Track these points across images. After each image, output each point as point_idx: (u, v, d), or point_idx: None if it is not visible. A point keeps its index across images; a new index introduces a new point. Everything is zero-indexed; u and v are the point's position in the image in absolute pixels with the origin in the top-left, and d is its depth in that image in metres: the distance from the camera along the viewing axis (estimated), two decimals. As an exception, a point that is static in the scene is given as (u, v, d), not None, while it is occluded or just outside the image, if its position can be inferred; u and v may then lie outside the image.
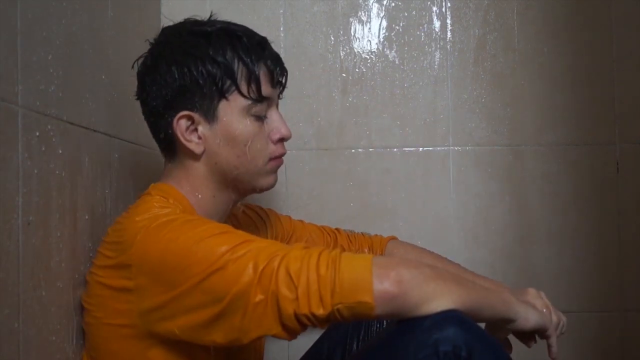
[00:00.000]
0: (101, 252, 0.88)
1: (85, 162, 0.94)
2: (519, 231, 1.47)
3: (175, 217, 0.84)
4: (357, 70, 1.48)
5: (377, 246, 1.24)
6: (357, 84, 1.48)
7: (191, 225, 0.82)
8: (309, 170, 1.47)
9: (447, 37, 1.48)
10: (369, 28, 1.48)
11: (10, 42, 0.72)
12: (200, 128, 0.92)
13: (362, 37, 1.48)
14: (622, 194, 1.45)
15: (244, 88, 0.92)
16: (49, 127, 0.81)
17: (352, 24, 1.48)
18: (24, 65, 0.75)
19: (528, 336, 0.92)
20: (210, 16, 0.99)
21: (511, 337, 0.95)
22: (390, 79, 1.48)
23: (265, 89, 0.94)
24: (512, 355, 0.88)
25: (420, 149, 1.47)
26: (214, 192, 0.96)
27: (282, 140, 0.98)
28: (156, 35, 0.97)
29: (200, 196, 0.95)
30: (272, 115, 0.97)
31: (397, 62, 1.48)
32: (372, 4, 1.49)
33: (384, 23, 1.48)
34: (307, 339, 1.21)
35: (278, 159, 0.98)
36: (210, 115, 0.92)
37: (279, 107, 1.00)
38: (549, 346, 0.92)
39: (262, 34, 0.98)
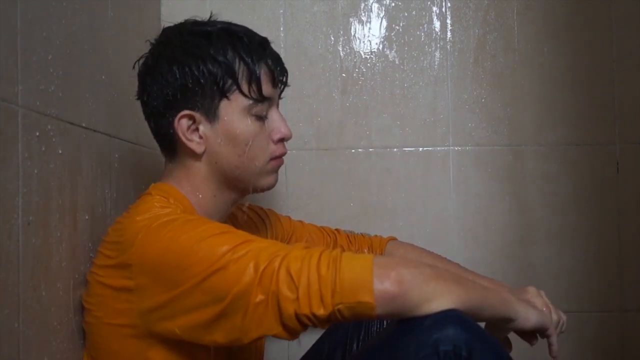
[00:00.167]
0: (101, 252, 0.88)
1: (85, 162, 0.94)
2: (519, 231, 1.47)
3: (176, 216, 0.85)
4: (357, 70, 1.48)
5: (376, 246, 1.24)
6: (357, 84, 1.48)
7: (192, 225, 0.82)
8: (309, 170, 1.47)
9: (447, 37, 1.48)
10: (369, 28, 1.48)
11: (10, 42, 0.72)
12: (201, 127, 0.93)
13: (362, 37, 1.48)
14: (622, 194, 1.46)
15: (245, 88, 0.92)
16: (49, 127, 0.81)
17: (352, 24, 1.48)
18: (24, 65, 0.75)
19: (529, 335, 0.92)
20: (211, 16, 0.99)
21: (511, 336, 0.95)
22: (390, 79, 1.48)
23: (266, 89, 0.94)
24: (512, 355, 0.88)
25: (420, 149, 1.47)
26: (214, 192, 0.96)
27: (282, 140, 0.98)
28: (157, 36, 0.98)
29: (200, 196, 0.95)
30: (273, 115, 0.97)
31: (397, 62, 1.48)
32: (372, 4, 1.49)
33: (384, 23, 1.48)
34: (308, 339, 1.21)
35: (279, 158, 0.98)
36: (211, 115, 0.92)
37: (279, 107, 1.00)
38: (550, 345, 0.92)
39: (262, 34, 0.98)
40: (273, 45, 0.98)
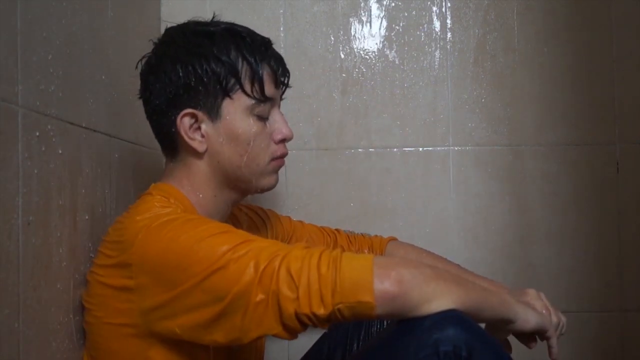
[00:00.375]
0: (102, 252, 0.88)
1: (85, 162, 0.94)
2: (519, 231, 1.47)
3: (176, 216, 0.85)
4: (357, 70, 1.48)
5: (377, 247, 1.24)
6: (357, 84, 1.48)
7: (192, 225, 0.82)
8: (309, 170, 1.47)
9: (447, 37, 1.48)
10: (369, 28, 1.49)
11: (10, 42, 0.72)
12: (203, 126, 0.93)
13: (362, 37, 1.48)
14: (622, 194, 1.46)
15: (247, 87, 0.92)
16: (49, 127, 0.81)
17: (352, 24, 1.48)
18: (24, 65, 0.75)
19: (528, 337, 0.92)
20: (214, 17, 0.99)
21: (511, 338, 0.94)
22: (390, 79, 1.48)
23: (269, 89, 0.94)
24: (512, 356, 0.87)
25: (420, 149, 1.47)
26: (215, 192, 0.96)
27: (284, 140, 0.98)
28: (160, 36, 0.98)
29: (201, 195, 0.95)
30: (275, 116, 0.97)
31: (397, 62, 1.48)
32: (372, 4, 1.49)
33: (384, 23, 1.49)
34: (308, 339, 1.21)
35: (280, 159, 0.99)
36: (213, 113, 0.92)
37: (280, 107, 1.00)
38: (550, 347, 0.92)
39: (262, 34, 0.98)
40: (273, 46, 0.98)
